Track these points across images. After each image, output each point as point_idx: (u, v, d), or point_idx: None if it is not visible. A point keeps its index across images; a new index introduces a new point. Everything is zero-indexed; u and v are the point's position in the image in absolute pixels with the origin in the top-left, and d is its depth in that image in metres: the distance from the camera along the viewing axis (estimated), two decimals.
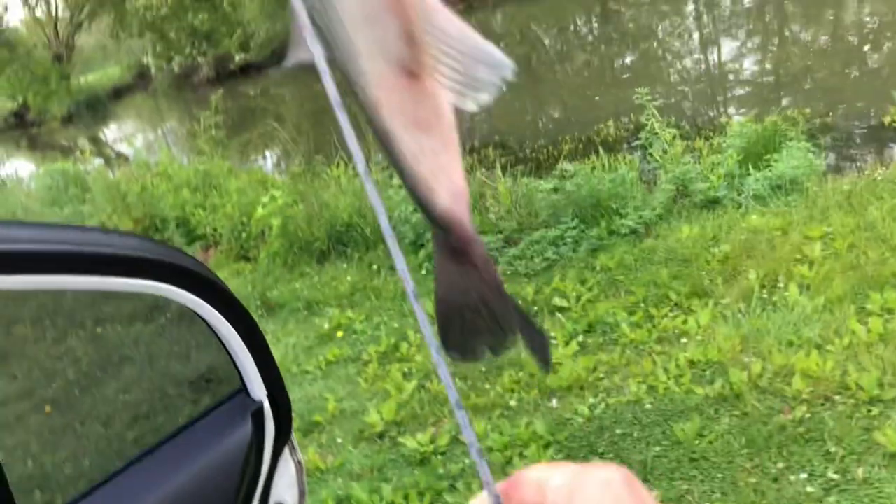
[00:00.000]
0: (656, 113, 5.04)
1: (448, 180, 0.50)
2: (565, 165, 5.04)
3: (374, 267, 5.14)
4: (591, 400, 3.33)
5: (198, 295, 1.14)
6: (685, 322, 3.65)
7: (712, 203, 4.60)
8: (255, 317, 1.34)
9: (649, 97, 5.00)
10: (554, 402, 3.39)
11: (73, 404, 1.40)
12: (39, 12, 23.46)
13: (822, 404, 2.92)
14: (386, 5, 0.47)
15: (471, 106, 0.49)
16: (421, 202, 0.50)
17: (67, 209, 8.34)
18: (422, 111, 0.49)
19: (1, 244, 0.89)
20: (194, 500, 1.15)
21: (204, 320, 1.20)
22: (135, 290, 1.09)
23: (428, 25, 0.47)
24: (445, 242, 0.51)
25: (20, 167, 16.05)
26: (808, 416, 2.87)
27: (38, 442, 1.30)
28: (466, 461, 3.16)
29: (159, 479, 1.15)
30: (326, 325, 4.64)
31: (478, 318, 0.51)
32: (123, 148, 15.88)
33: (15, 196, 9.99)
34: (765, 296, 3.68)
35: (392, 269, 5.06)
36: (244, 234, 6.08)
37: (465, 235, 0.50)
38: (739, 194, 4.55)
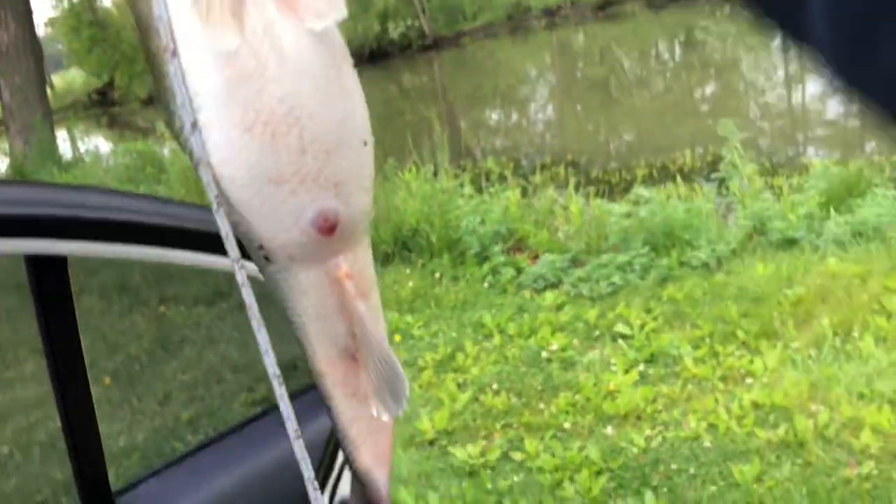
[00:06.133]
0: (739, 147, 4.94)
1: (374, 446, 0.60)
2: (640, 191, 4.97)
3: (437, 275, 5.15)
4: (648, 431, 3.27)
5: None
6: (752, 362, 3.56)
7: (789, 243, 4.49)
8: None
9: (734, 130, 4.91)
10: (609, 430, 3.34)
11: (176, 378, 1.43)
12: None
13: (891, 462, 2.82)
14: (336, 309, 0.55)
15: (385, 417, 0.57)
16: (347, 456, 0.60)
17: (143, 188, 8.56)
18: (359, 386, 0.57)
19: (119, 213, 0.91)
20: (276, 483, 1.16)
21: None
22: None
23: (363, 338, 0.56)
24: (361, 493, 0.60)
25: (100, 144, 16.56)
26: (875, 472, 2.77)
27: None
28: (515, 478, 3.13)
29: (243, 459, 1.16)
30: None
31: None
32: None
33: (94, 172, 10.29)
34: (837, 344, 3.57)
35: (455, 278, 5.06)
36: None
37: (378, 497, 0.60)
38: (818, 237, 4.42)
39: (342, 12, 0.48)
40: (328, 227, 0.50)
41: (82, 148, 12.98)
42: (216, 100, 0.46)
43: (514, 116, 14.38)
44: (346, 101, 0.50)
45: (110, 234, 0.89)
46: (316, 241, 0.51)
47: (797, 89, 11.65)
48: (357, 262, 0.55)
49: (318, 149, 0.48)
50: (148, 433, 3.39)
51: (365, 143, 0.51)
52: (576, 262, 4.85)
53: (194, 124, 0.46)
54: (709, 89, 13.28)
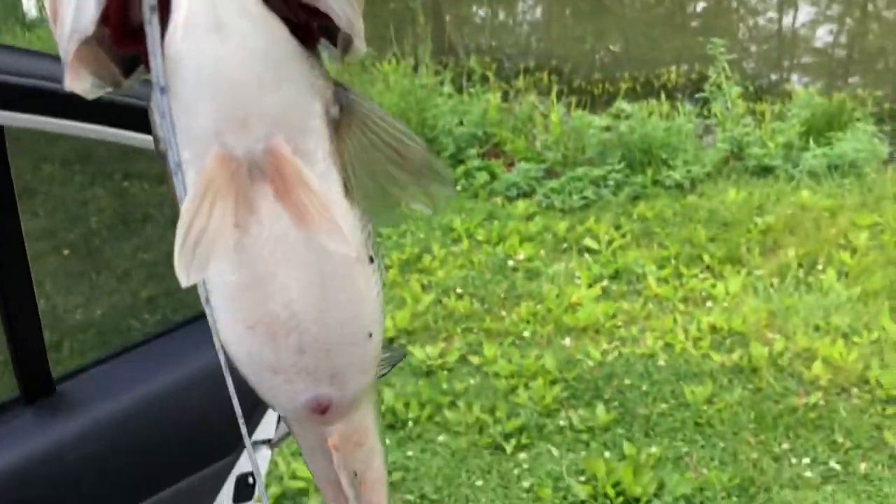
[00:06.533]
0: (727, 68, 4.85)
1: None
2: (623, 105, 4.88)
3: None
4: (605, 346, 3.31)
5: None
6: (714, 286, 3.59)
7: (765, 171, 4.47)
8: None
9: (723, 50, 4.81)
10: (567, 341, 3.37)
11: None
12: None
13: (838, 394, 2.89)
14: (326, 459, 0.60)
15: None
16: None
17: None
18: None
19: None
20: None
21: None
22: None
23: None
24: None
25: None
26: (821, 402, 2.84)
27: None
28: (471, 381, 3.16)
29: (193, 352, 1.12)
30: None
31: None
32: None
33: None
34: (800, 275, 3.60)
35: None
36: None
37: None
38: (794, 167, 4.41)
39: (355, 247, 0.48)
40: (321, 410, 0.53)
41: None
42: (222, 298, 0.47)
43: (502, 15, 14.00)
44: (354, 303, 0.50)
45: (56, 107, 0.82)
46: (308, 418, 0.54)
47: (789, 14, 11.45)
48: (349, 426, 0.58)
49: (317, 348, 0.49)
50: (106, 309, 3.35)
51: (370, 335, 0.52)
52: (550, 173, 4.80)
53: (207, 300, 0.47)
54: (700, 5, 12.99)
